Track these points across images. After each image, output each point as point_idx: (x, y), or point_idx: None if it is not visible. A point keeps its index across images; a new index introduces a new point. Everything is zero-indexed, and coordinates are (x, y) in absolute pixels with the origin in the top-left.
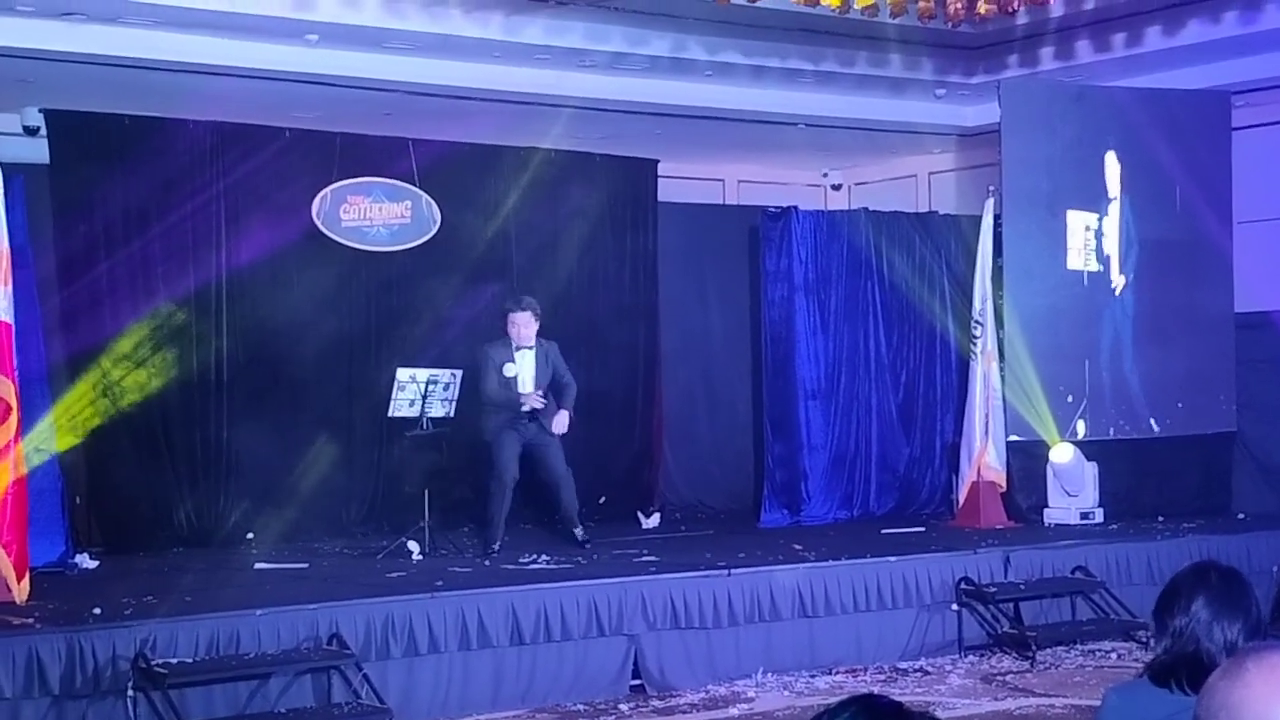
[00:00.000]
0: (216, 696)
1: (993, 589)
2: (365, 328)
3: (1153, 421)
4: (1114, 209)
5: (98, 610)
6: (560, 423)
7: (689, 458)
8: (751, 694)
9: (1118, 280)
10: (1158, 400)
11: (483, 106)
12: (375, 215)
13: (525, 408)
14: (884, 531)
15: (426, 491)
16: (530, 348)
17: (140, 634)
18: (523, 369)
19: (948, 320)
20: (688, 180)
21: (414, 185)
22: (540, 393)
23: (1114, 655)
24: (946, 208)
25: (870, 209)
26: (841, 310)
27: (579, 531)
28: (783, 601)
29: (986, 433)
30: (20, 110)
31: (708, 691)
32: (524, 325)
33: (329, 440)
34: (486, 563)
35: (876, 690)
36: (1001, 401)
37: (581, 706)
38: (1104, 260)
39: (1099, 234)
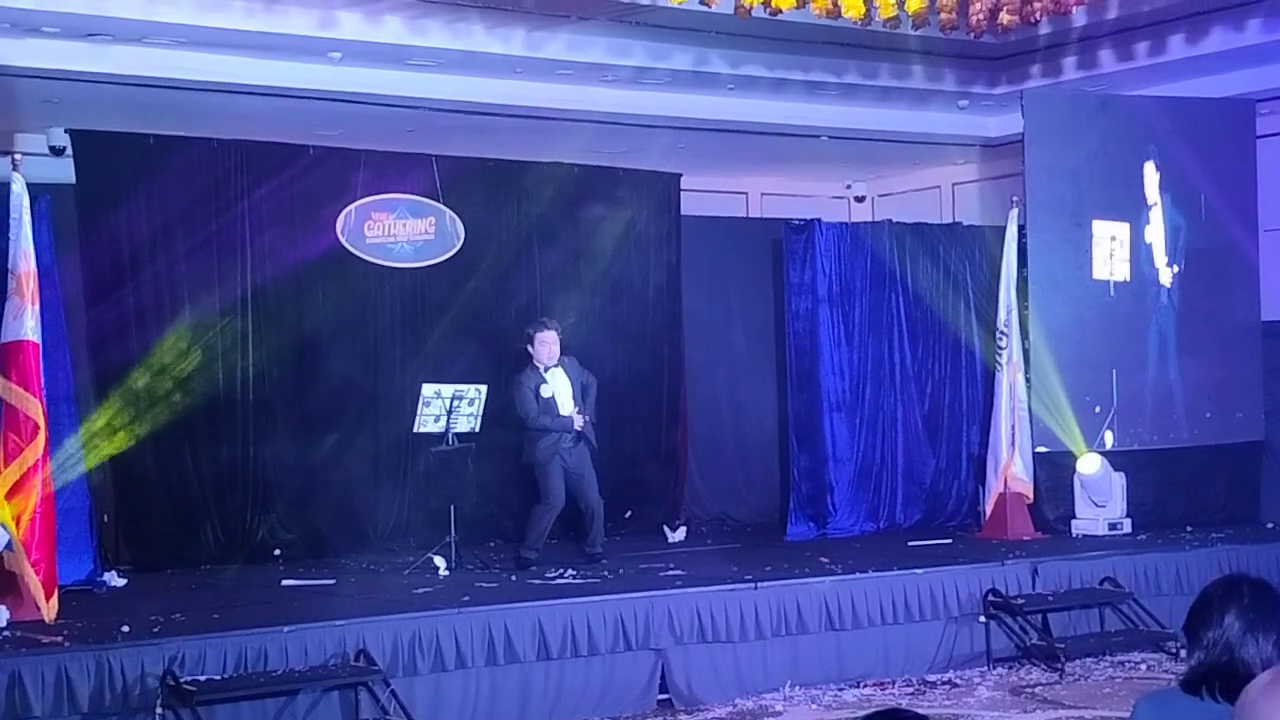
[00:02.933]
0: (245, 713)
1: (1020, 600)
2: (390, 344)
3: (1181, 431)
4: (1155, 215)
5: (126, 628)
6: (576, 422)
7: (714, 471)
8: (779, 707)
9: (1166, 279)
10: (1185, 410)
11: (505, 122)
12: (399, 231)
13: (578, 427)
14: (911, 543)
15: (453, 507)
16: (558, 365)
17: (169, 651)
18: (558, 388)
19: (973, 331)
20: (711, 194)
21: (438, 201)
22: (579, 409)
23: (1143, 666)
24: (970, 218)
25: (894, 220)
26: (866, 322)
27: (596, 550)
28: (810, 614)
29: (1013, 444)
30: (46, 130)
31: (735, 705)
32: (553, 344)
33: (355, 456)
34: (514, 577)
35: (904, 703)
36: (1028, 412)
37: None
38: (1149, 265)
39: (1141, 241)
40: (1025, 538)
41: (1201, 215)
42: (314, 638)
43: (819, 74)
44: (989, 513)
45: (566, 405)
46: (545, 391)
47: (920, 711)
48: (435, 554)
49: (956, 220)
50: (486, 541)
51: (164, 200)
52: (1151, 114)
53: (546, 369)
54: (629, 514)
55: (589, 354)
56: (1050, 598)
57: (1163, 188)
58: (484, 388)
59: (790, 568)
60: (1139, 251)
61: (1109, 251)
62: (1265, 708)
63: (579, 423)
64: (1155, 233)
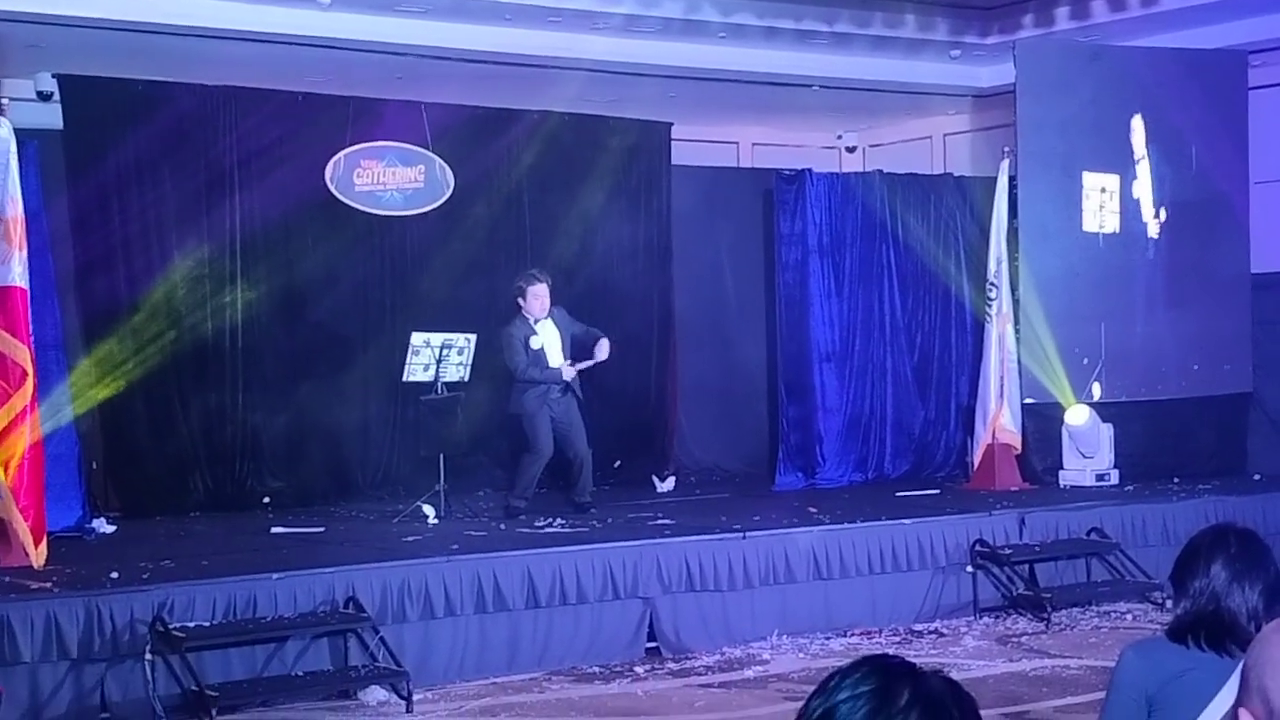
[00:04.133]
0: (234, 660)
1: (1008, 551)
2: (379, 292)
3: (1169, 383)
4: (1143, 169)
5: (115, 574)
6: (603, 348)
7: (703, 421)
8: (767, 656)
9: (1154, 231)
10: (1173, 361)
11: (495, 70)
12: (389, 179)
13: (567, 378)
14: (899, 494)
15: (442, 455)
16: (547, 317)
17: (158, 598)
18: (547, 340)
19: (963, 283)
20: (701, 143)
21: (427, 149)
22: (570, 361)
23: (1129, 616)
24: (961, 169)
25: (885, 171)
26: (856, 273)
27: (585, 500)
28: (798, 564)
29: (1002, 395)
30: (33, 76)
31: (723, 654)
32: (544, 297)
33: (344, 405)
34: (502, 526)
35: (891, 652)
36: (1017, 364)
37: (597, 669)
38: (1137, 219)
39: (1129, 195)
40: (1013, 488)
41: (1192, 167)
42: (303, 585)
43: (810, 22)
44: (977, 463)
45: (555, 357)
46: (535, 343)
47: (962, 686)
48: (424, 502)
49: (947, 171)
50: (476, 490)
51: (152, 146)
52: (1143, 65)
53: (536, 320)
54: (618, 464)
55: (578, 304)
56: (1037, 548)
57: (1151, 139)
58: (473, 337)
59: (778, 518)
60: (1128, 204)
61: (1099, 203)
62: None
63: (569, 374)
64: (1143, 187)
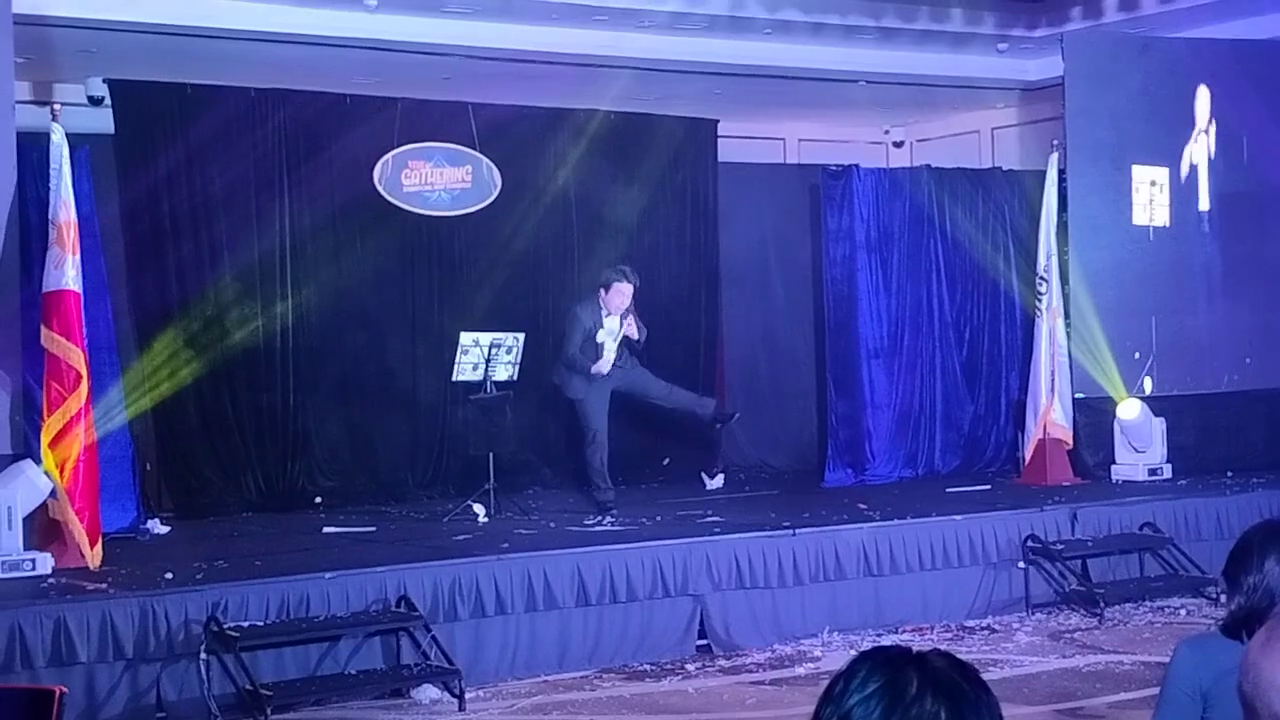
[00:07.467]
0: (288, 658)
1: (1060, 546)
2: (428, 292)
3: (1221, 376)
4: (1202, 143)
5: (169, 575)
6: (602, 366)
7: (752, 418)
8: (818, 653)
9: (1205, 225)
10: (1226, 355)
11: (541, 69)
12: (437, 180)
13: (601, 370)
14: (949, 490)
15: (491, 454)
16: (617, 315)
17: (212, 598)
18: (607, 339)
19: (1012, 277)
20: (748, 140)
21: (474, 149)
22: (618, 360)
23: (1183, 611)
24: (1010, 163)
25: (932, 166)
26: (904, 268)
27: (709, 413)
28: (848, 560)
29: (1053, 389)
30: (85, 81)
31: (774, 651)
32: (627, 297)
33: (394, 405)
34: (552, 524)
35: (943, 649)
36: (1067, 358)
37: (648, 666)
38: (1188, 207)
39: (1179, 187)
40: (1064, 483)
41: (1244, 158)
42: (355, 584)
43: (857, 18)
44: (1028, 458)
45: (611, 352)
46: (600, 336)
47: (959, 657)
48: (474, 501)
49: (996, 165)
50: (525, 489)
51: (202, 149)
52: (1193, 56)
53: (608, 314)
54: (667, 461)
55: None
56: (1089, 543)
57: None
58: (521, 336)
59: (828, 514)
60: (1178, 196)
61: (1149, 197)
62: (1267, 668)
63: (604, 367)
64: (1200, 155)
